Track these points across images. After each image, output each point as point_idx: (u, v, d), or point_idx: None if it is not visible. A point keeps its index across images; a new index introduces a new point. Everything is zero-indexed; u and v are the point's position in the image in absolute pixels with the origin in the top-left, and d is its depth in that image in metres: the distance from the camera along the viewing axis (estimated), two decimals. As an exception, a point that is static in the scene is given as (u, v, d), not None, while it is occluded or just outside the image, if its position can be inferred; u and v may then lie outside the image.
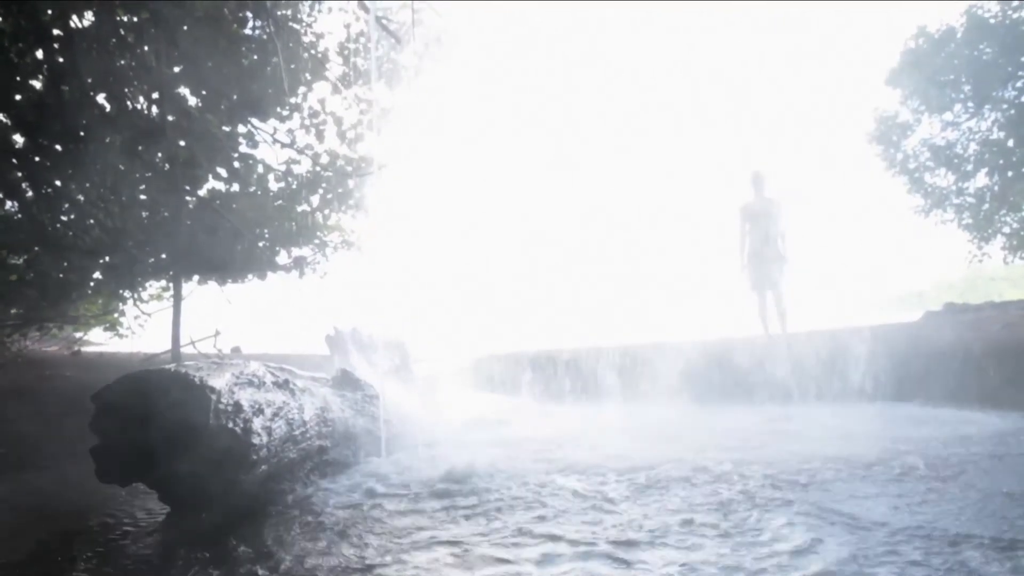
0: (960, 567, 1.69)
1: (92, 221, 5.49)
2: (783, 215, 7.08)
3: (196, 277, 6.55)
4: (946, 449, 3.32)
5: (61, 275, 5.60)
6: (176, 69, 5.57)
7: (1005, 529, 1.98)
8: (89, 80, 4.82)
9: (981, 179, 12.30)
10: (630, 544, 1.95)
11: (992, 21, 11.16)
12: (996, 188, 12.12)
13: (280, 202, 6.69)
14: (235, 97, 5.83)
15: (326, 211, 7.00)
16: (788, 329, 6.90)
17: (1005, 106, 11.59)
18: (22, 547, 2.11)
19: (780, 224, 7.05)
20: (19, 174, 5.08)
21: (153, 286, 6.99)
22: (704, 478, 2.79)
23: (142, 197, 5.89)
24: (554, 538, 2.02)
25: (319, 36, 6.48)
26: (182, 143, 5.51)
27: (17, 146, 4.96)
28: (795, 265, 7.06)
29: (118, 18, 5.09)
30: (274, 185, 6.72)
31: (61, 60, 4.73)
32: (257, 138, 6.34)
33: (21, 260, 5.62)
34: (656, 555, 1.85)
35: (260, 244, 6.61)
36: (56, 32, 4.67)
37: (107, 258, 5.73)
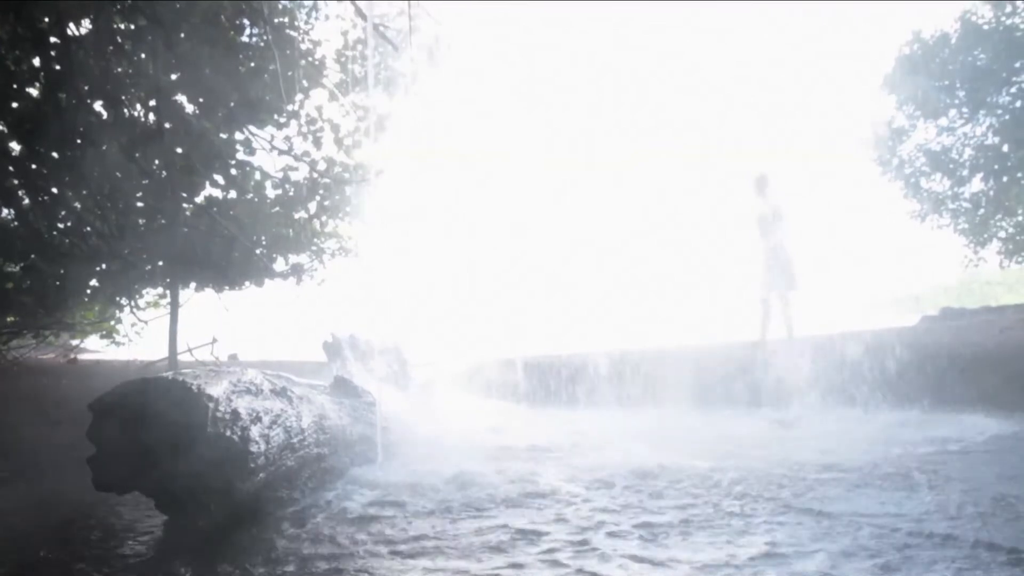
0: (955, 570, 1.69)
1: (89, 228, 5.47)
2: (790, 219, 7.02)
3: (193, 284, 6.53)
4: (944, 453, 3.32)
5: (58, 282, 5.58)
6: (173, 76, 5.57)
7: (999, 531, 1.98)
8: (86, 87, 4.82)
9: (976, 184, 12.38)
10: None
11: (986, 27, 11.23)
12: (991, 193, 12.18)
13: (277, 209, 6.68)
14: (232, 104, 5.83)
15: (323, 218, 7.00)
16: (795, 335, 6.84)
17: (1000, 111, 11.66)
18: (20, 555, 2.10)
19: (786, 228, 6.99)
20: (16, 181, 5.07)
21: (150, 293, 6.98)
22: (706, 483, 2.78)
23: (139, 204, 5.88)
24: (560, 543, 2.01)
25: (316, 43, 6.50)
26: (179, 150, 5.51)
27: (14, 153, 4.95)
28: (802, 270, 6.99)
29: (115, 25, 5.09)
30: (271, 192, 6.72)
31: (58, 67, 4.73)
32: (254, 145, 6.34)
33: (18, 267, 5.60)
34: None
35: (257, 251, 6.60)
36: (53, 39, 4.67)
37: (104, 265, 5.71)
